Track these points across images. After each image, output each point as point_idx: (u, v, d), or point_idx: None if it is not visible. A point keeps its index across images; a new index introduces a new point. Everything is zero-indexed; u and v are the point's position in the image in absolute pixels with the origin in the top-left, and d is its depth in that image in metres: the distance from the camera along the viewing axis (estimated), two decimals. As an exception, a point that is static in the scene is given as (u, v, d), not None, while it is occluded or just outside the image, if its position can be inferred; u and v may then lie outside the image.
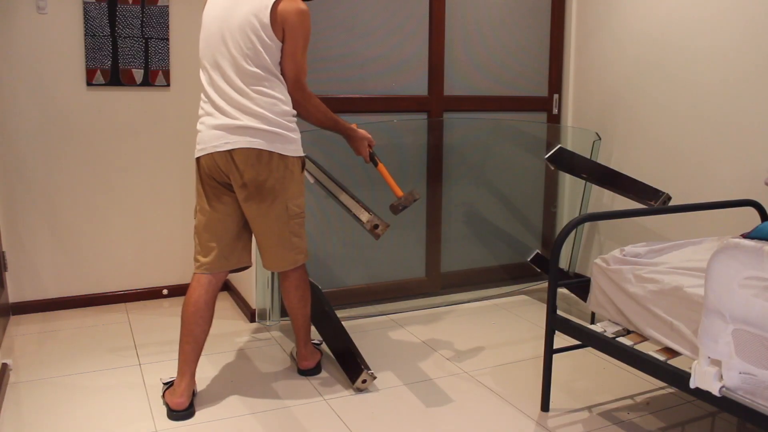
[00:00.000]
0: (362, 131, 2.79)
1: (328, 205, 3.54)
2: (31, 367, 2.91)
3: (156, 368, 2.92)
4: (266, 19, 2.39)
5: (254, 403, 2.62)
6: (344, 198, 2.90)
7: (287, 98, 2.51)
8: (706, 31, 3.24)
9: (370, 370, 2.73)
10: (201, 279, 2.56)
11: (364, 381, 2.72)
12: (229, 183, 2.53)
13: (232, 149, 2.44)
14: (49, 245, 3.58)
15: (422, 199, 3.83)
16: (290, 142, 2.50)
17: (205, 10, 2.56)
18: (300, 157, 2.57)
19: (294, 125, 2.54)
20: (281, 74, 2.49)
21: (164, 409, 2.55)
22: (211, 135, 2.47)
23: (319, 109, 2.59)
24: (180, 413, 2.50)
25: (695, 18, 3.29)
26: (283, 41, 2.44)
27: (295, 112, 2.55)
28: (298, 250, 2.64)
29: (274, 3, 2.40)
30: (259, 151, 2.44)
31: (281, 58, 2.47)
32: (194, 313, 2.52)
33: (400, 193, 2.86)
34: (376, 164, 2.88)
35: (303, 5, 2.45)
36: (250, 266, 2.72)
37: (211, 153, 2.47)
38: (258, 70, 2.43)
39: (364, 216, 2.78)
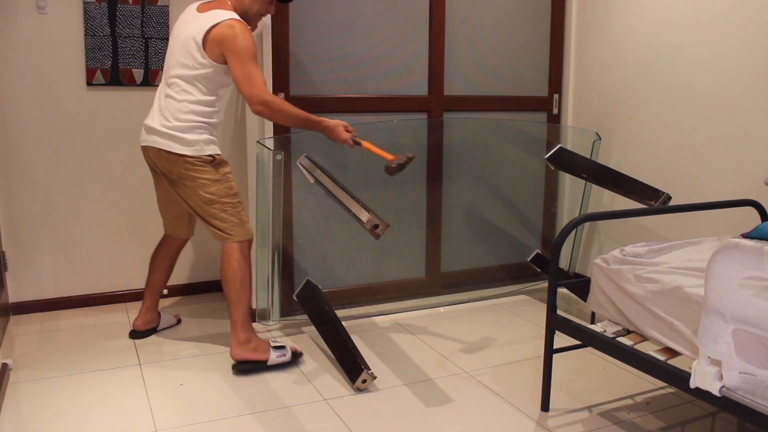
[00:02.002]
0: (334, 120, 2.94)
1: (328, 205, 3.54)
2: (31, 367, 2.91)
3: (156, 368, 2.92)
4: (200, 39, 2.75)
5: (254, 403, 2.62)
6: (344, 198, 2.91)
7: (199, 108, 2.81)
8: (705, 32, 3.24)
9: (370, 370, 2.74)
10: (164, 235, 3.23)
11: (364, 381, 2.72)
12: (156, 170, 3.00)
13: (146, 146, 2.91)
14: (49, 245, 3.58)
15: (422, 199, 3.83)
16: (188, 144, 2.80)
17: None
18: (202, 156, 2.82)
19: (198, 128, 2.81)
20: (242, 94, 2.77)
21: (164, 410, 2.56)
22: (142, 131, 2.95)
23: (286, 114, 2.82)
24: (134, 332, 3.25)
25: (694, 19, 3.29)
26: (226, 63, 2.76)
27: (207, 120, 2.83)
28: (218, 230, 2.88)
29: (210, 27, 2.74)
30: (159, 150, 2.83)
31: (235, 82, 2.77)
32: (151, 263, 3.24)
33: (390, 156, 2.91)
34: (360, 144, 2.95)
35: (236, 24, 2.74)
36: (185, 238, 3.24)
37: (141, 145, 2.97)
38: (177, 79, 2.80)
39: (364, 216, 2.79)
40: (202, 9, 2.85)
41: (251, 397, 2.67)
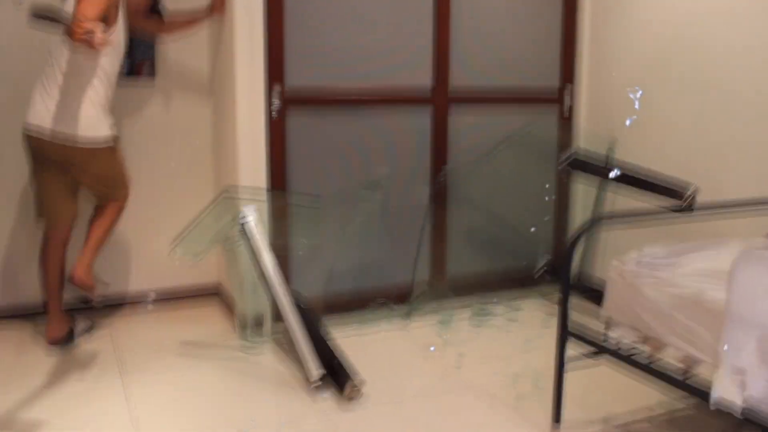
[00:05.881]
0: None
1: (327, 210, 3.49)
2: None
3: (140, 378, 2.88)
4: None
5: (244, 415, 2.57)
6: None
7: None
8: (732, 20, 3.11)
9: (356, 379, 2.69)
10: (59, 236, 3.17)
11: (354, 387, 2.68)
12: None
13: None
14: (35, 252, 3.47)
15: (425, 200, 3.77)
16: None
17: None
18: None
19: None
20: None
21: (149, 422, 2.52)
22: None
23: None
24: (55, 341, 3.12)
25: (720, 7, 3.16)
26: None
27: None
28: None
29: None
30: None
31: None
32: (50, 268, 3.14)
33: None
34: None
35: None
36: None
37: None
38: None
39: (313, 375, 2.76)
40: None
41: (241, 408, 2.64)
